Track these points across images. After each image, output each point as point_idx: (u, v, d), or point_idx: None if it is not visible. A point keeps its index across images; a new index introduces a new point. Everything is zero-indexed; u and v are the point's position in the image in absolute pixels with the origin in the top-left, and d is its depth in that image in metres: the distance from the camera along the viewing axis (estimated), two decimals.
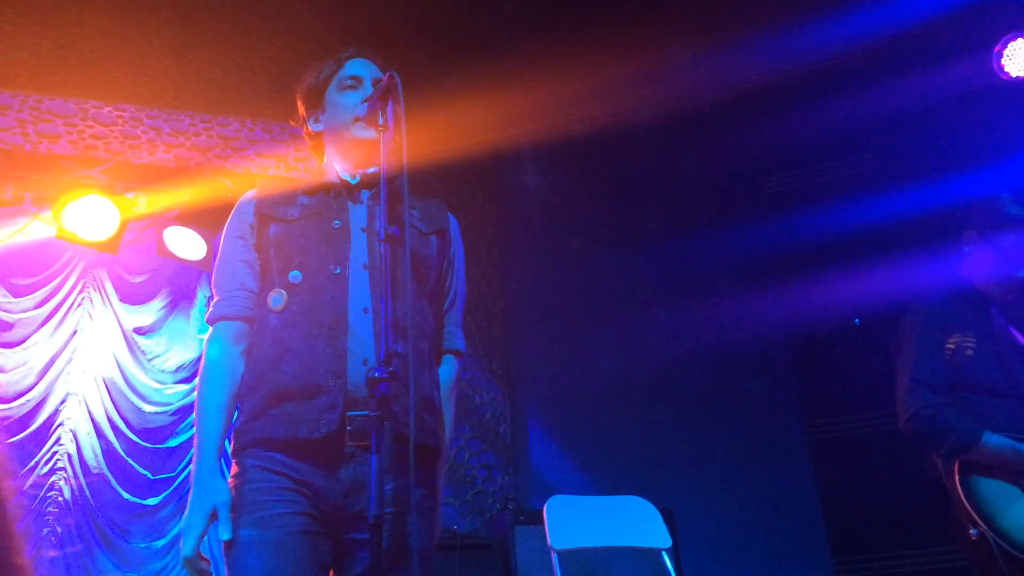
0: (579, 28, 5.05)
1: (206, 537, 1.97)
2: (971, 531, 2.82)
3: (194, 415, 2.11)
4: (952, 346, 3.07)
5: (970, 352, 3.06)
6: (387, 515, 1.93)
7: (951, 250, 3.32)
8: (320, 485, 1.98)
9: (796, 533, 5.22)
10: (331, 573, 2.02)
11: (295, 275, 2.11)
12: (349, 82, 2.30)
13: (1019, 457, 2.89)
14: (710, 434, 5.42)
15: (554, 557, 3.45)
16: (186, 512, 1.99)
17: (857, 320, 5.24)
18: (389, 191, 2.08)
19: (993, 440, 2.91)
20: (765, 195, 5.84)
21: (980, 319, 3.18)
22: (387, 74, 2.09)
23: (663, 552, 3.69)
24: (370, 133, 2.20)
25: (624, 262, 5.78)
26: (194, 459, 2.06)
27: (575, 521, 3.61)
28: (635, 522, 3.75)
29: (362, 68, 2.32)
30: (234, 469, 2.05)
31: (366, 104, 2.21)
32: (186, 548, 1.95)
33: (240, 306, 2.18)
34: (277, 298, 2.11)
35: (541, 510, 3.61)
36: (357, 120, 2.23)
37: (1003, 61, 4.96)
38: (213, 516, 1.96)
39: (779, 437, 5.43)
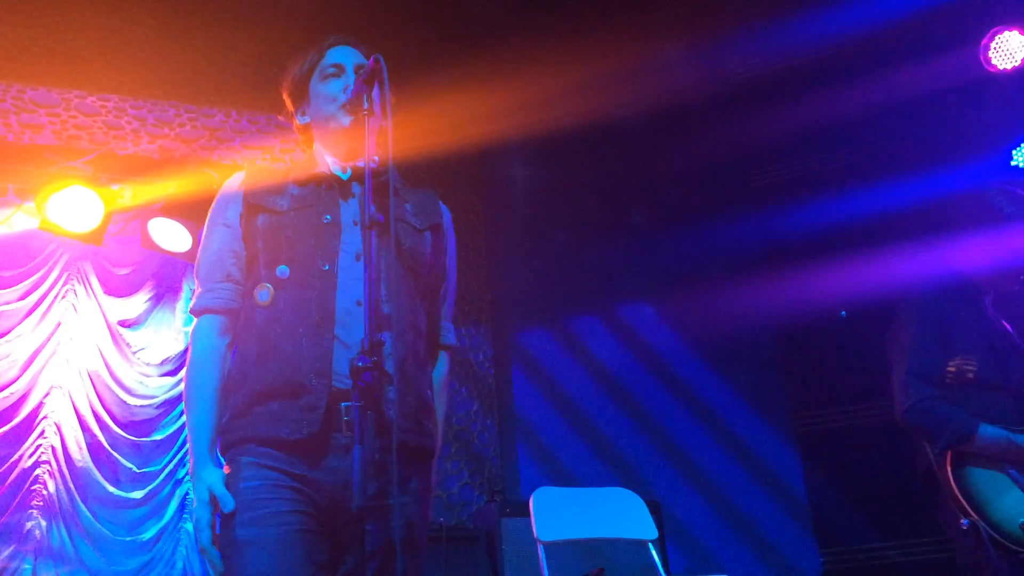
0: (567, 21, 5.04)
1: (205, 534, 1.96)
2: (962, 521, 2.85)
3: (184, 408, 2.09)
4: (953, 369, 3.09)
5: (971, 375, 3.09)
6: (380, 507, 1.92)
7: (942, 243, 3.33)
8: (317, 479, 1.96)
9: (783, 525, 5.24)
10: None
11: (283, 270, 2.07)
12: (331, 70, 2.25)
13: (1014, 448, 2.92)
14: (697, 426, 5.43)
15: (540, 549, 3.45)
16: (194, 507, 2.00)
17: (844, 313, 5.25)
18: (378, 183, 2.05)
19: (989, 431, 2.94)
20: (753, 188, 5.85)
21: (973, 312, 3.20)
22: (372, 57, 2.06)
23: (649, 544, 3.68)
24: (352, 119, 2.16)
25: (612, 255, 5.78)
26: (189, 455, 2.05)
27: (561, 513, 3.60)
28: (621, 514, 3.75)
29: (344, 56, 2.27)
30: (227, 468, 2.01)
31: (349, 90, 2.16)
32: (202, 540, 1.95)
33: (226, 298, 2.14)
34: (263, 293, 2.07)
35: (527, 502, 3.60)
36: (341, 107, 2.18)
37: (990, 54, 4.97)
38: (213, 501, 1.95)
39: (766, 429, 5.45)
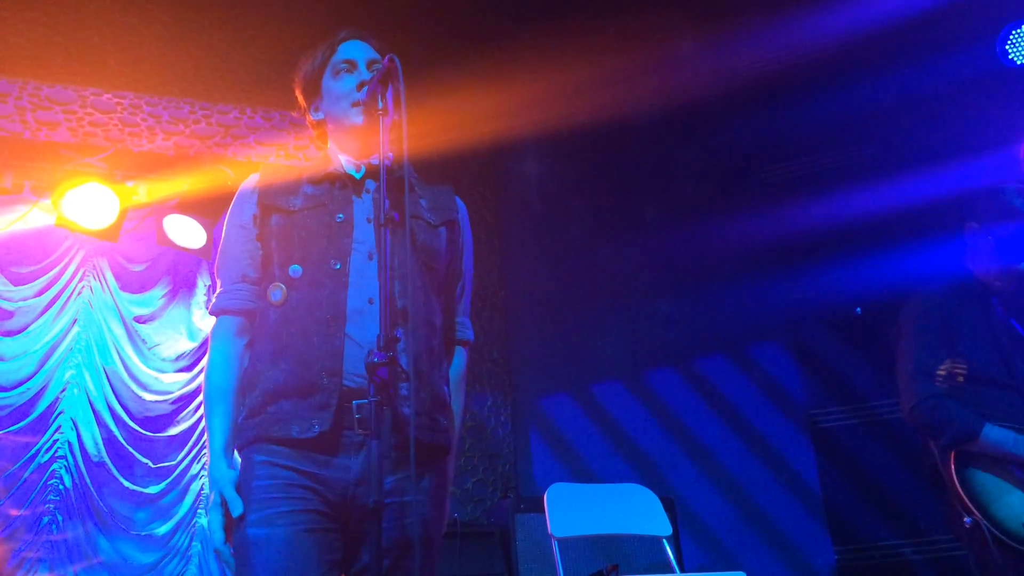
0: (580, 17, 5.03)
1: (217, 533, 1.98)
2: (965, 519, 2.84)
3: (202, 407, 2.11)
4: (943, 372, 3.07)
5: (961, 379, 3.07)
6: (394, 504, 1.93)
7: (953, 240, 3.31)
8: (329, 476, 1.96)
9: (797, 521, 5.23)
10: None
11: (295, 269, 2.08)
12: (343, 66, 2.24)
13: (1020, 449, 2.90)
14: (711, 422, 5.43)
15: (554, 545, 3.46)
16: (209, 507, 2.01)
17: (859, 309, 5.24)
18: (393, 180, 2.05)
19: (995, 431, 2.92)
20: (767, 184, 5.83)
21: (980, 309, 3.18)
22: (387, 57, 2.05)
23: (663, 540, 3.69)
24: (366, 118, 2.15)
25: (625, 251, 5.77)
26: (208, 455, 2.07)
27: (575, 509, 3.60)
28: (635, 510, 3.75)
29: (356, 51, 2.26)
30: (241, 465, 2.03)
31: (364, 89, 2.15)
32: (215, 541, 1.97)
33: (242, 299, 2.16)
34: (276, 292, 2.09)
35: (541, 498, 3.61)
36: (355, 105, 2.18)
37: (1007, 48, 4.94)
38: (224, 503, 1.96)
39: (780, 426, 5.44)
